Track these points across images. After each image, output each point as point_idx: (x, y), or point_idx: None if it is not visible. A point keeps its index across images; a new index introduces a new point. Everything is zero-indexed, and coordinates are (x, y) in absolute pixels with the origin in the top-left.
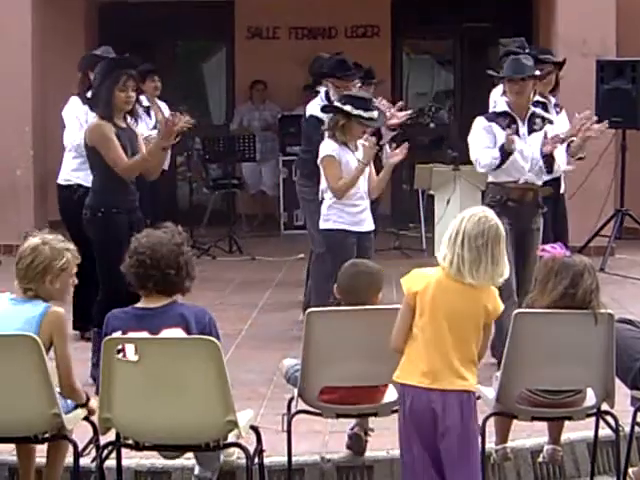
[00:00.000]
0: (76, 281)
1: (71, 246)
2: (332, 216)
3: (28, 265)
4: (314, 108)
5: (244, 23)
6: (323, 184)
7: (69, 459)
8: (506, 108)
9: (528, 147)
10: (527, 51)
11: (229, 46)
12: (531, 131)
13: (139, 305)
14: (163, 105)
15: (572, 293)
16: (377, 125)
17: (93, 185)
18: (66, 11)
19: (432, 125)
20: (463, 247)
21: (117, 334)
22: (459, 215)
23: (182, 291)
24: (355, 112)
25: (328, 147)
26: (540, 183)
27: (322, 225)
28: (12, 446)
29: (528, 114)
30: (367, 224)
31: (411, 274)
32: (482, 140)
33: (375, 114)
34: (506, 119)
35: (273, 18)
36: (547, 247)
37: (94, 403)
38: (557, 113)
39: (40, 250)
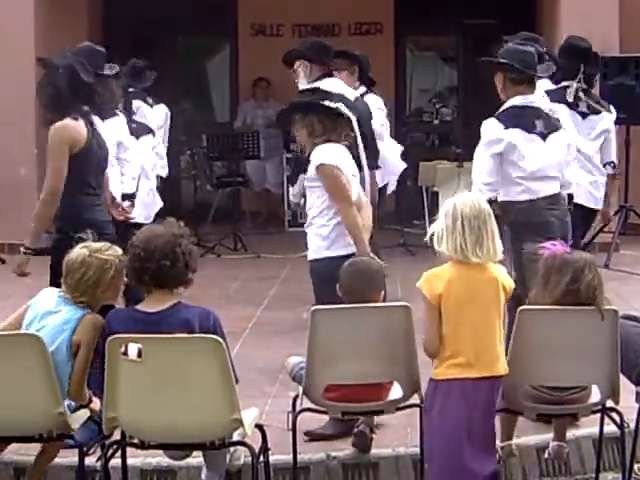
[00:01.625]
0: (126, 280)
1: (118, 250)
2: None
3: (79, 280)
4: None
5: (248, 20)
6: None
7: (74, 458)
8: None
9: None
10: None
11: (233, 43)
12: None
13: (142, 308)
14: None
15: (575, 290)
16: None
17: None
18: (69, 8)
19: (436, 122)
20: (464, 230)
21: None
22: (447, 203)
23: (183, 284)
24: None
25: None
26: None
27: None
28: (17, 445)
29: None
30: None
31: (426, 277)
32: None
33: None
34: None
35: (277, 15)
36: (547, 244)
37: (97, 404)
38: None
39: (89, 263)
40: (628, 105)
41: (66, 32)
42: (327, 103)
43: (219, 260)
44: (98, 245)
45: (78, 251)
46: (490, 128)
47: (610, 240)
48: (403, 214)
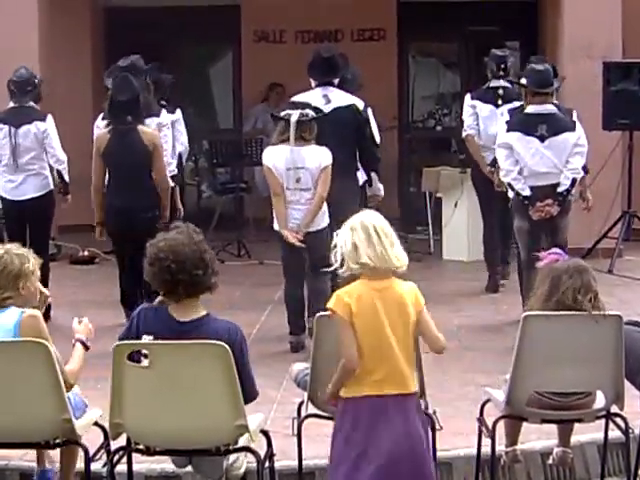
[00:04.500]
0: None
1: (31, 251)
2: None
3: (0, 273)
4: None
5: (250, 27)
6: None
7: (80, 464)
8: None
9: None
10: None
11: (236, 50)
12: None
13: (173, 314)
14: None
15: (555, 296)
16: None
17: (152, 185)
18: (72, 16)
19: (439, 128)
20: (380, 238)
21: (149, 338)
22: (349, 222)
23: (210, 289)
24: None
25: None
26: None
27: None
28: (23, 451)
29: None
30: None
31: (337, 296)
32: None
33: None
34: None
35: (279, 22)
36: (542, 254)
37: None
38: None
39: (6, 259)
40: (631, 111)
41: (69, 40)
42: (281, 113)
43: (223, 266)
44: (8, 246)
45: None
46: (499, 132)
47: (614, 246)
48: (406, 220)
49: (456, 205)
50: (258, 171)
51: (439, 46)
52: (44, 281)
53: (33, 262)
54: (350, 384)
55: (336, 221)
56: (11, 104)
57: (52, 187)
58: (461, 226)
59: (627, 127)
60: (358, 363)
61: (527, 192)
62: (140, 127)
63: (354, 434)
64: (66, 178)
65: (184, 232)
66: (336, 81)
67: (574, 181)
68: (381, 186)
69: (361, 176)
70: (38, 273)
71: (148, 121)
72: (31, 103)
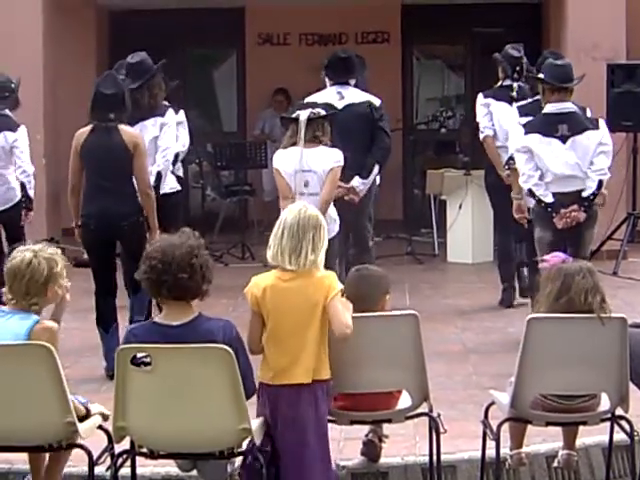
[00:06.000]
0: (69, 283)
1: (58, 250)
2: None
3: (29, 280)
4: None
5: (254, 29)
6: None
7: (84, 467)
8: None
9: None
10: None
11: (240, 52)
12: None
13: (162, 321)
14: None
15: (566, 295)
16: None
17: (132, 189)
18: (77, 20)
19: (443, 130)
20: (283, 237)
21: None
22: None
23: (199, 296)
24: None
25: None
26: None
27: None
28: (26, 455)
29: None
30: None
31: (250, 284)
32: None
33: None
34: None
35: (283, 24)
36: (547, 257)
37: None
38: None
39: (35, 264)
40: (635, 112)
41: (73, 43)
42: (293, 115)
43: (227, 269)
44: (38, 246)
45: (21, 255)
46: (515, 136)
47: (618, 248)
48: (411, 222)
49: (460, 207)
50: (265, 174)
51: (443, 48)
52: None
53: (62, 264)
54: (261, 368)
55: (346, 225)
56: None
57: (20, 198)
58: (465, 228)
59: (631, 129)
60: (259, 348)
61: (549, 199)
62: (121, 126)
63: (265, 412)
64: (30, 193)
65: (183, 236)
66: (352, 82)
67: (600, 183)
68: (365, 186)
69: (377, 179)
70: (64, 274)
71: (152, 120)
72: (7, 111)
